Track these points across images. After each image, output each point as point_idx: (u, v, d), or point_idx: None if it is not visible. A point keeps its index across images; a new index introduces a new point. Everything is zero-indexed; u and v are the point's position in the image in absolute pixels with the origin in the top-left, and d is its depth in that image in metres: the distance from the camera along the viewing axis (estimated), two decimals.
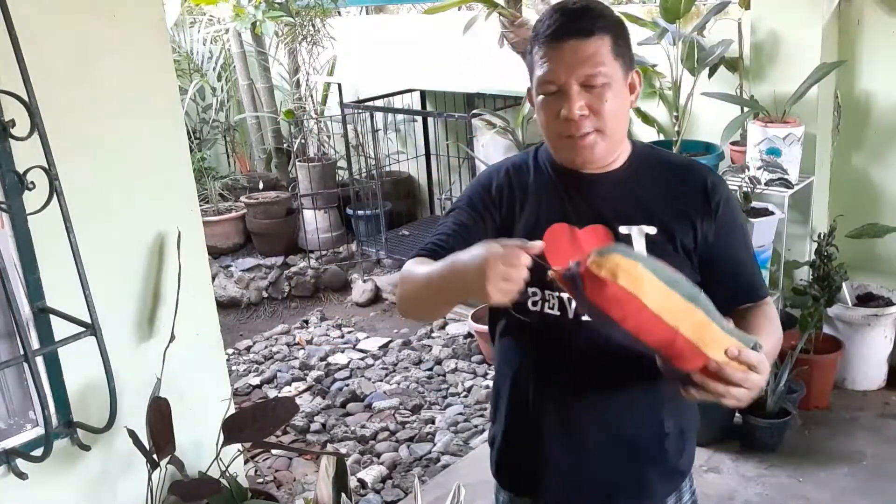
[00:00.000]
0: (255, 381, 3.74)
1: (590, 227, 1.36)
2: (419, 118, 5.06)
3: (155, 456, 1.93)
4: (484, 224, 1.39)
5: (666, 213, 1.36)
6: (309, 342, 4.14)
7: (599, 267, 1.06)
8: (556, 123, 1.32)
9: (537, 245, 1.12)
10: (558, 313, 1.36)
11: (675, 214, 1.36)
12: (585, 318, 1.31)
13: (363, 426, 3.29)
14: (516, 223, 1.39)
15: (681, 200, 1.38)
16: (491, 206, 1.41)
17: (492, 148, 4.17)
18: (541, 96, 1.34)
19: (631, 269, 1.07)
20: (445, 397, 3.52)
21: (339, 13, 5.51)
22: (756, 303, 1.41)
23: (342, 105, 4.75)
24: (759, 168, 2.95)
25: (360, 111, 4.98)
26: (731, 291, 1.40)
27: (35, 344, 1.78)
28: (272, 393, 3.64)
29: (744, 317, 1.39)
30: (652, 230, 1.35)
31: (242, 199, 5.25)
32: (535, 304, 1.37)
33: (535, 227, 1.37)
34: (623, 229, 1.34)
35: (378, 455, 3.09)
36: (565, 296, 1.33)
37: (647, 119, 3.52)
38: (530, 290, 1.35)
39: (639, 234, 1.34)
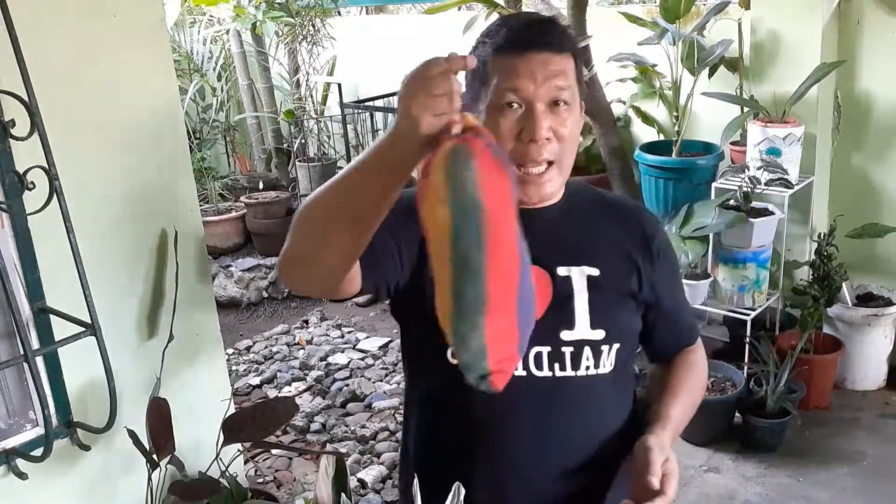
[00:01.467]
0: (255, 381, 3.73)
1: None
2: None
3: (154, 456, 1.93)
4: (397, 251, 1.16)
5: (608, 253, 1.26)
6: (309, 342, 4.14)
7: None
8: (513, 149, 1.14)
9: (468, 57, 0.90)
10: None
11: (617, 255, 1.26)
12: (518, 372, 1.16)
13: (363, 426, 3.29)
14: None
15: (621, 241, 1.27)
16: (410, 238, 1.16)
17: None
18: (492, 113, 1.15)
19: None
20: None
21: (339, 13, 5.51)
22: (691, 346, 1.38)
23: (342, 105, 4.75)
24: (759, 168, 2.95)
25: (360, 111, 4.98)
26: (675, 338, 1.37)
27: (35, 344, 1.78)
28: (272, 393, 3.63)
29: (676, 365, 1.35)
30: (594, 272, 1.23)
31: (242, 199, 5.25)
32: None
33: None
34: (562, 270, 1.21)
35: (378, 455, 3.09)
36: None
37: (647, 119, 3.52)
38: None
39: (580, 275, 1.22)
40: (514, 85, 1.14)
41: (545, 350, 1.20)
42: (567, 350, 1.20)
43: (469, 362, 0.94)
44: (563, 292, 1.20)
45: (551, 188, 1.19)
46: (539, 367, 1.20)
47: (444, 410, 1.27)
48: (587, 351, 1.21)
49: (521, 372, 1.18)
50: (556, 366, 1.20)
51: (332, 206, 1.02)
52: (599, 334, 1.21)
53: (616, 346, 1.23)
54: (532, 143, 1.14)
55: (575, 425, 1.23)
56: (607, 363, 1.23)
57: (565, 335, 1.20)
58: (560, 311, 1.19)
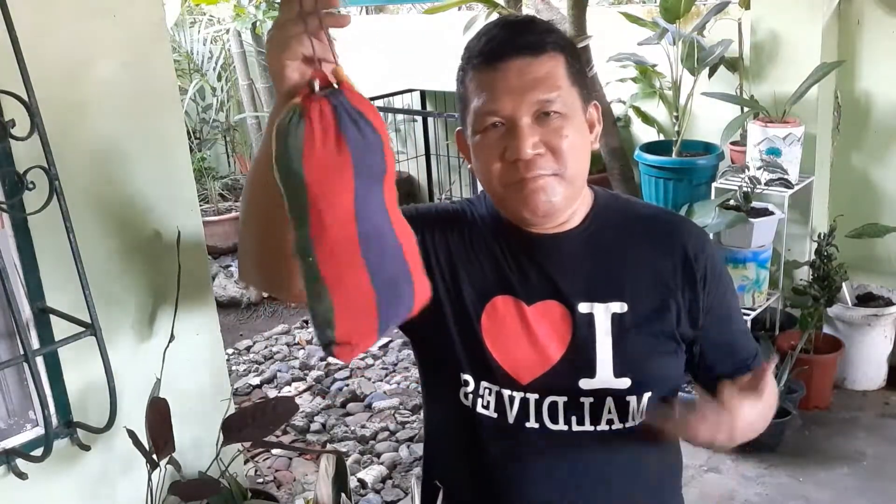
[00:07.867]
0: (255, 381, 3.73)
1: (541, 303, 1.09)
2: (419, 118, 5.06)
3: (154, 456, 1.93)
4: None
5: (639, 284, 1.09)
6: (309, 342, 4.14)
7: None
8: (500, 169, 1.03)
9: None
10: (495, 415, 1.09)
11: (650, 286, 1.10)
12: (530, 424, 1.08)
13: (363, 426, 3.29)
14: (462, 294, 1.10)
15: (656, 267, 1.11)
16: (441, 252, 1.10)
17: None
18: (477, 136, 1.04)
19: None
20: None
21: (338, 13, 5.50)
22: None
23: None
24: (759, 168, 2.95)
25: None
26: (731, 369, 1.17)
27: (35, 344, 1.78)
28: (272, 393, 3.63)
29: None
30: (621, 308, 1.08)
31: None
32: (466, 396, 1.10)
33: (477, 302, 1.10)
34: (583, 307, 1.07)
35: (378, 455, 3.09)
36: (506, 393, 1.08)
37: (647, 119, 3.53)
38: (463, 376, 1.09)
39: (604, 313, 1.07)
40: (491, 106, 1.02)
41: (561, 400, 1.07)
42: (586, 401, 1.07)
43: (315, 328, 0.88)
44: (583, 333, 1.07)
45: (556, 201, 1.04)
46: (554, 419, 1.08)
47: (458, 446, 1.17)
48: (609, 402, 1.07)
49: (532, 424, 1.08)
50: (574, 419, 1.07)
51: (253, 178, 0.95)
52: (624, 383, 1.07)
53: (647, 394, 1.09)
54: (519, 161, 1.01)
55: (597, 488, 1.10)
56: (637, 415, 1.09)
57: (585, 384, 1.07)
58: (579, 355, 1.07)
